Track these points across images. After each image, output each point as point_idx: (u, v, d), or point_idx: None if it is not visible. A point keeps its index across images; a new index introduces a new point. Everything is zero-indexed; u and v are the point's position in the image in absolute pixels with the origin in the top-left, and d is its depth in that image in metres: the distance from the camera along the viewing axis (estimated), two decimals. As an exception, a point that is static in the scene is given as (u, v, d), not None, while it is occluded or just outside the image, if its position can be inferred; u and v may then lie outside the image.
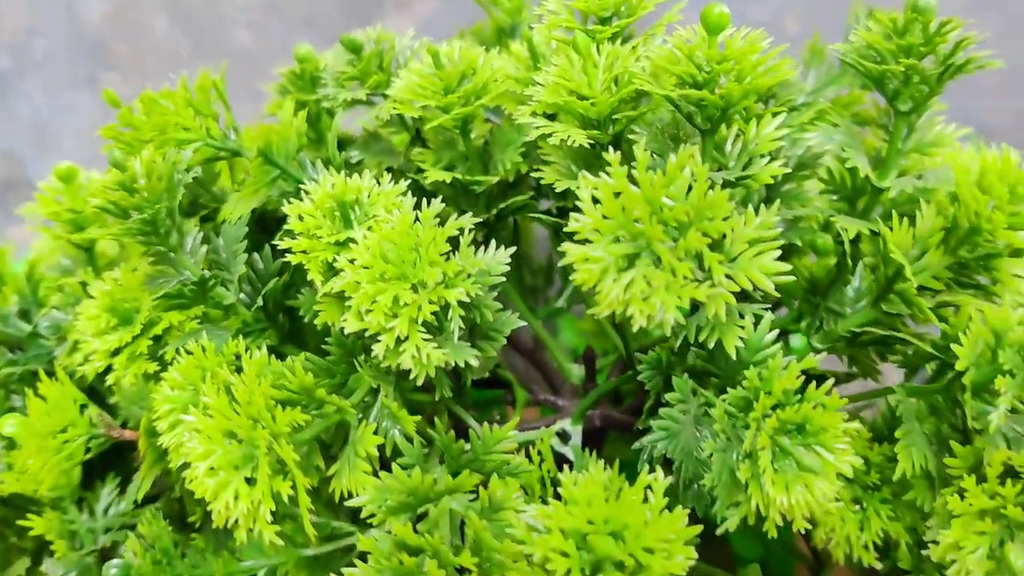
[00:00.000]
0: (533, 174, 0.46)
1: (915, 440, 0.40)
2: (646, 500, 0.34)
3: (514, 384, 0.57)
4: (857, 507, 0.45)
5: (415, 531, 0.36)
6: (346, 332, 0.39)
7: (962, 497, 0.37)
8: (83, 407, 0.48)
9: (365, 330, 0.40)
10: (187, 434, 0.38)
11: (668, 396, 0.40)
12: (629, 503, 0.34)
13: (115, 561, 0.45)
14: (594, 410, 0.53)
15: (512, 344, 0.62)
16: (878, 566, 0.45)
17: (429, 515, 0.36)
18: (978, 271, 0.42)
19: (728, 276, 0.38)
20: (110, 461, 0.60)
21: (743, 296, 0.41)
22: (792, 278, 0.40)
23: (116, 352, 0.47)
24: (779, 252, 0.37)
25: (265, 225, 0.51)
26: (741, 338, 0.38)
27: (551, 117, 0.45)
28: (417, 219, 0.41)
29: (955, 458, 0.39)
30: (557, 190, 0.44)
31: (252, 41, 0.89)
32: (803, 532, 0.59)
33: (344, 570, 0.35)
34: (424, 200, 0.42)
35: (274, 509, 0.37)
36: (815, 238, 0.51)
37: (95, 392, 0.55)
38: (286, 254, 0.43)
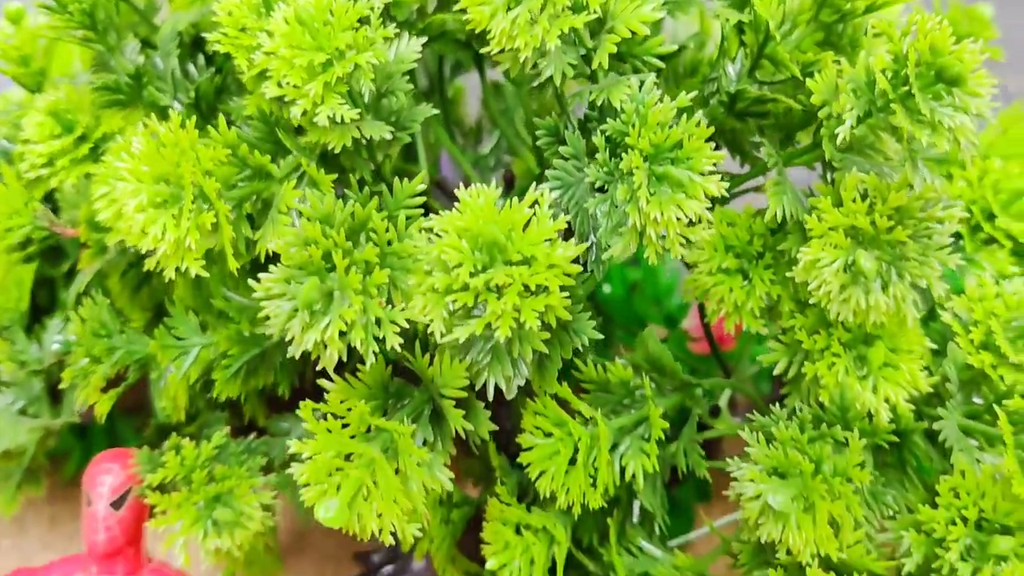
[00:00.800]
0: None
1: (785, 190, 0.44)
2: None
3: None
4: (745, 281, 0.49)
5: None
6: (267, 97, 0.43)
7: (820, 219, 0.41)
8: (26, 203, 0.52)
9: (284, 99, 0.43)
10: (120, 184, 0.42)
11: (561, 149, 0.44)
12: (517, 209, 0.38)
13: (57, 336, 0.48)
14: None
15: (440, 188, 0.66)
16: (764, 331, 0.49)
17: (335, 219, 0.39)
18: (846, 50, 0.46)
19: (610, 31, 0.42)
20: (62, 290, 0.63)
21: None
22: (674, 47, 0.45)
23: (59, 156, 0.51)
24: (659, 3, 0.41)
25: (201, 46, 0.54)
26: (628, 95, 0.43)
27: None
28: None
29: (818, 198, 0.43)
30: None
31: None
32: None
33: (261, 275, 0.38)
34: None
35: (198, 240, 0.40)
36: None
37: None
38: (216, 46, 0.47)
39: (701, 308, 0.62)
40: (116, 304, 0.54)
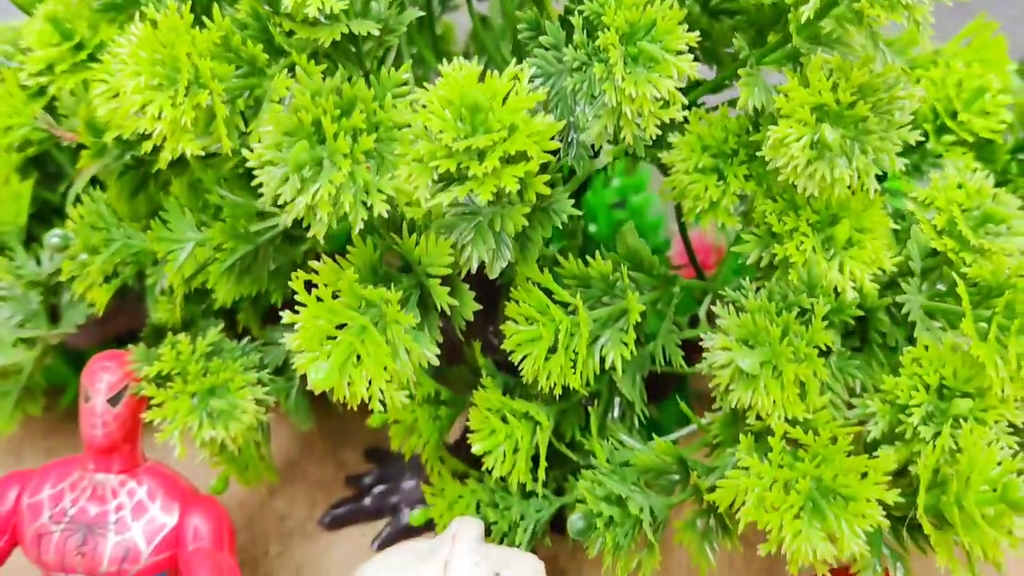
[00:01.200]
0: None
1: (757, 82, 0.46)
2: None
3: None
4: (720, 180, 0.51)
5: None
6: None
7: (788, 100, 0.43)
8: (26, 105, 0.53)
9: None
10: (117, 71, 0.43)
11: (541, 39, 0.45)
12: (498, 79, 0.40)
13: (56, 231, 0.50)
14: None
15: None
16: (738, 225, 0.50)
17: (324, 91, 0.41)
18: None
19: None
20: (57, 221, 0.65)
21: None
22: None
23: (58, 63, 0.52)
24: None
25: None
26: None
27: None
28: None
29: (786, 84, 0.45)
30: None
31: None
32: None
33: (254, 146, 0.40)
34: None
35: (194, 119, 0.42)
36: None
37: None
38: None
39: (684, 235, 0.64)
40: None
